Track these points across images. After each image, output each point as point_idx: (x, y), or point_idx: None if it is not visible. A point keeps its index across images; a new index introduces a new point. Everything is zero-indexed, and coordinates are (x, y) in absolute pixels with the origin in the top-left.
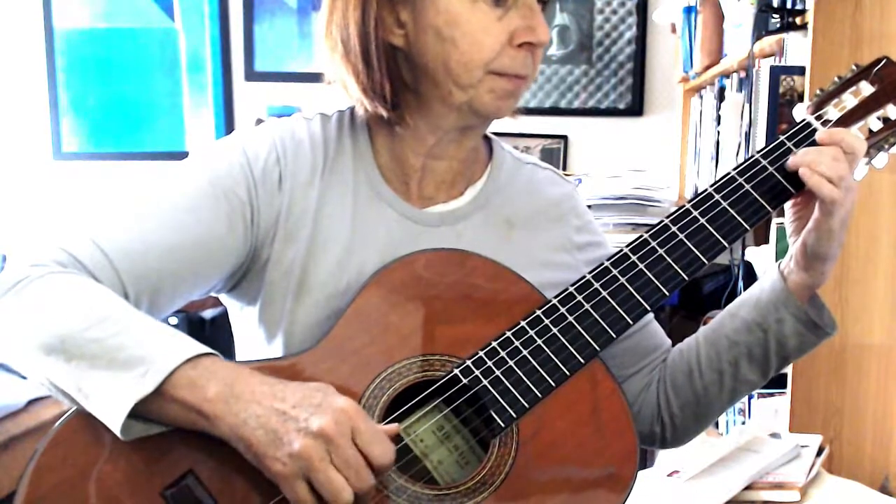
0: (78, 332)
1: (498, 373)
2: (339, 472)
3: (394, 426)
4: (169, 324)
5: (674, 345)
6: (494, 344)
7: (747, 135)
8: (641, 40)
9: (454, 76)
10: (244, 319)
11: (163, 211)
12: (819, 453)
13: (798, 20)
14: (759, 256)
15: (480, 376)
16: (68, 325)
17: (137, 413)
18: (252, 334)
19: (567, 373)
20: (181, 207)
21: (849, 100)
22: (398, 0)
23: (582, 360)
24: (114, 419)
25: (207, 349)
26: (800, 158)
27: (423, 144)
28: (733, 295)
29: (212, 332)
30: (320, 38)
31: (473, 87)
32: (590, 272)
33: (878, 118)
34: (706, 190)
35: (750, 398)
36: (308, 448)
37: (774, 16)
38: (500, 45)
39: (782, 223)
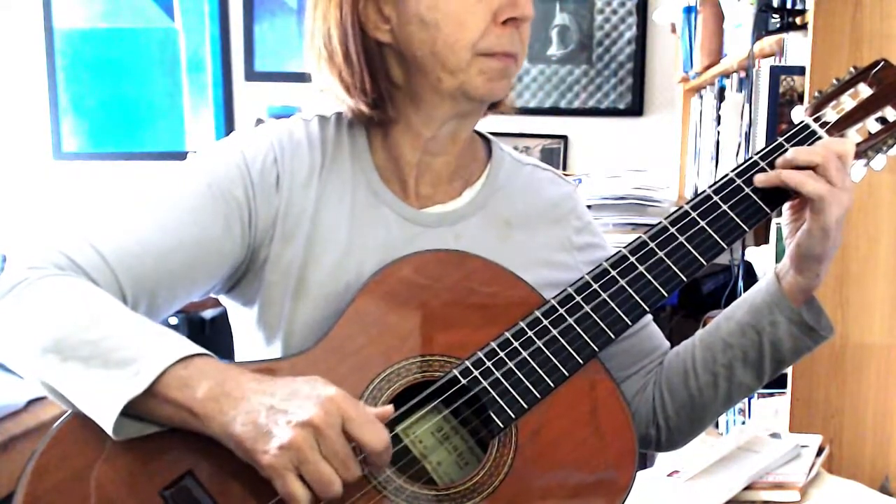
0: (72, 333)
1: (497, 374)
2: (328, 462)
3: (388, 408)
4: (169, 324)
5: (673, 345)
6: (493, 345)
7: (747, 135)
8: (641, 40)
9: (442, 60)
10: (243, 320)
11: (160, 213)
12: (819, 453)
13: (798, 20)
14: (759, 256)
15: (479, 377)
16: (63, 327)
17: (130, 413)
18: (251, 335)
19: (566, 373)
20: (179, 209)
21: (847, 102)
22: None
23: (581, 361)
24: (106, 419)
25: (200, 349)
26: (782, 159)
27: (419, 139)
28: (733, 295)
29: (212, 332)
30: (307, 50)
31: (463, 70)
32: (588, 273)
33: (877, 120)
34: (705, 191)
35: (750, 398)
36: (297, 439)
37: (774, 16)
38: (485, 24)
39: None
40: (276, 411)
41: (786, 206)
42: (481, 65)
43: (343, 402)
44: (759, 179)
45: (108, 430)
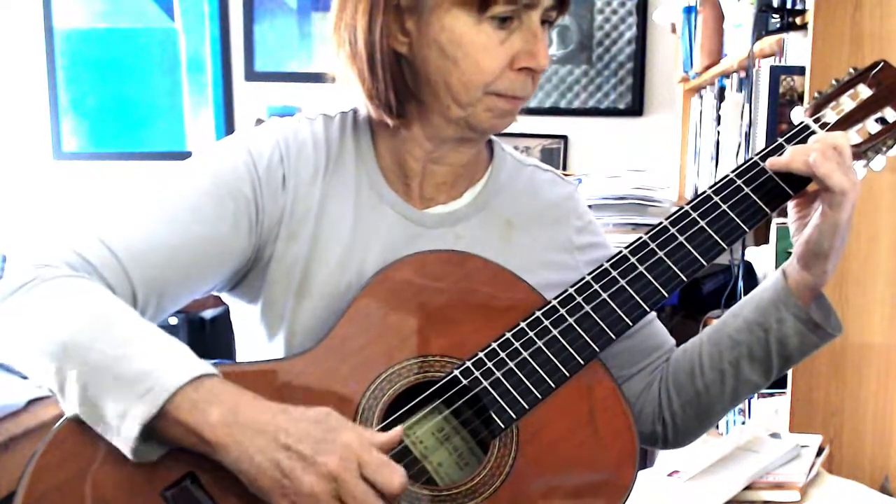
0: (82, 339)
1: (498, 374)
2: None
3: (397, 430)
4: (169, 324)
5: (677, 345)
6: (494, 345)
7: (747, 135)
8: (641, 40)
9: (453, 93)
10: (245, 318)
11: (168, 211)
12: (819, 453)
13: (798, 20)
14: (759, 256)
15: (480, 377)
16: (73, 332)
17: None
18: (253, 333)
19: (567, 374)
20: (186, 207)
21: (847, 103)
22: (405, 8)
23: (581, 362)
24: (123, 442)
25: (208, 367)
26: (802, 152)
27: (422, 149)
28: (733, 295)
29: (212, 332)
30: (329, 35)
31: (472, 104)
32: (589, 273)
33: (876, 121)
34: (705, 192)
35: (750, 398)
36: (314, 487)
37: (774, 16)
38: (501, 69)
39: (782, 223)
40: (293, 454)
41: (791, 204)
42: (490, 102)
43: (359, 448)
44: (774, 163)
45: (127, 453)
